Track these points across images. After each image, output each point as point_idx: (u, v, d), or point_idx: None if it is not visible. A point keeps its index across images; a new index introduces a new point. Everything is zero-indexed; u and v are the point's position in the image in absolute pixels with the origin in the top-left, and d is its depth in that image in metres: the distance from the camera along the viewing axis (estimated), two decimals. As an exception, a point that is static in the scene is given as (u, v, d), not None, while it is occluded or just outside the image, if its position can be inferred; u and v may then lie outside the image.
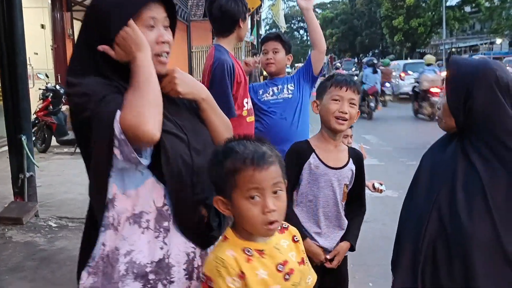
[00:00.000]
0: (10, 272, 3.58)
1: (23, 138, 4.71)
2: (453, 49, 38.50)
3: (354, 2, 52.70)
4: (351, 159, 2.16)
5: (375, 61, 15.17)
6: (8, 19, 4.61)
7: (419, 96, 12.84)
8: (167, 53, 1.44)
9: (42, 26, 10.24)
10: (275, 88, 3.08)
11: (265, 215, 1.25)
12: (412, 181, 1.72)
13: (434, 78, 12.35)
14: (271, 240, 1.32)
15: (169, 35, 1.45)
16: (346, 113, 2.04)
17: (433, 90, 12.07)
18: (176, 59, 15.02)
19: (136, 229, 1.33)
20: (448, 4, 34.57)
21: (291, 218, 1.88)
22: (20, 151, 4.74)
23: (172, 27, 1.49)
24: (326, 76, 2.39)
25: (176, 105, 1.48)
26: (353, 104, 2.07)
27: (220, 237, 1.38)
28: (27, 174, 4.78)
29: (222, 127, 1.55)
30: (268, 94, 3.07)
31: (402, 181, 1.77)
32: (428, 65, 13.28)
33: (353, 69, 35.56)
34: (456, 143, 1.58)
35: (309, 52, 3.25)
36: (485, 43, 37.09)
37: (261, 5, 18.73)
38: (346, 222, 2.18)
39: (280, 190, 1.28)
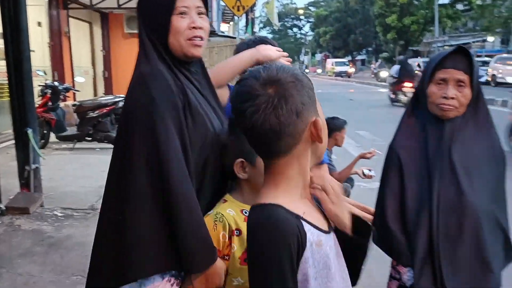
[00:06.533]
0: (22, 257, 3.77)
1: (29, 131, 4.89)
2: (446, 47, 38.74)
3: (348, 0, 52.92)
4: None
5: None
6: (15, 16, 4.78)
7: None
8: (201, 37, 1.59)
9: (39, 24, 10.34)
10: None
11: None
12: (389, 169, 1.74)
13: None
14: None
15: (203, 21, 1.60)
16: None
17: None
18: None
19: None
20: (440, 2, 34.82)
21: None
22: (26, 144, 4.92)
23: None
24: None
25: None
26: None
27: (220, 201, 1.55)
28: (33, 166, 4.97)
29: None
30: None
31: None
32: None
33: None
34: (446, 125, 1.67)
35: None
36: (477, 41, 37.44)
37: (255, 3, 18.90)
38: None
39: None
